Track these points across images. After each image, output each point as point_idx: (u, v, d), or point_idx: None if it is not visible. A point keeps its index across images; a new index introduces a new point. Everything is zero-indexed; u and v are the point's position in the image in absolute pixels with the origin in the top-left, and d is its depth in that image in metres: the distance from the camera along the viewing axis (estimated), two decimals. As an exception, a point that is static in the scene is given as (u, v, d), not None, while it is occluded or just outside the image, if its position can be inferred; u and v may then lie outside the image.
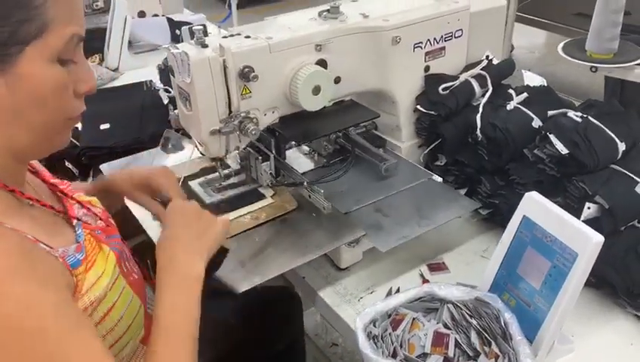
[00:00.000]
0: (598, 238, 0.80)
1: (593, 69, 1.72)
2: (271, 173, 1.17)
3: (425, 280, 1.07)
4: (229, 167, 1.20)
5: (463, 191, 1.21)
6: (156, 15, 2.36)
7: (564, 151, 1.01)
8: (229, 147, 1.07)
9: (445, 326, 0.88)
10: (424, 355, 0.85)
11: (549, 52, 4.25)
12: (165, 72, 1.62)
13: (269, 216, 1.11)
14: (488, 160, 1.15)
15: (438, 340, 0.85)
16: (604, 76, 2.18)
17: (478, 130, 1.15)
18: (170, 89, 1.56)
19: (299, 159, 1.32)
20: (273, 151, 1.18)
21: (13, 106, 0.68)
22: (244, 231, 1.08)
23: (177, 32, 2.11)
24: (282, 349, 1.32)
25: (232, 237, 1.06)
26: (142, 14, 2.35)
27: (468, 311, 0.87)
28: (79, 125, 1.36)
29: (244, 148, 1.13)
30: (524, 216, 0.89)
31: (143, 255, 1.02)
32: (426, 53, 1.23)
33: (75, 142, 1.40)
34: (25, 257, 0.65)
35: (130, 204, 1.17)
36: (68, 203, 0.86)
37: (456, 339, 0.85)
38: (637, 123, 1.12)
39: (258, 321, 1.30)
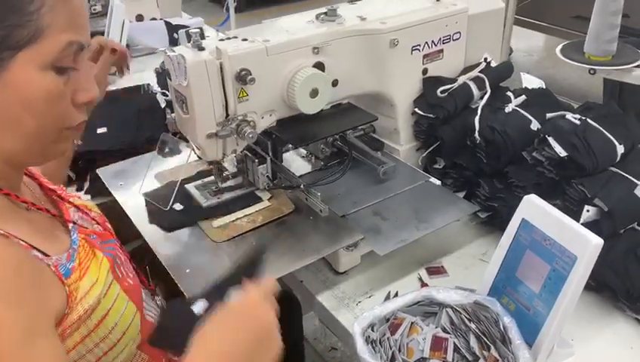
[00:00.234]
0: (598, 241, 0.79)
1: (592, 71, 1.72)
2: (268, 176, 1.16)
3: (424, 284, 1.06)
4: (226, 170, 1.19)
5: (461, 194, 1.20)
6: (154, 19, 2.36)
7: (562, 153, 1.01)
8: (226, 150, 1.06)
9: (444, 330, 0.87)
10: (423, 360, 0.84)
11: (547, 55, 4.25)
12: (163, 75, 1.62)
13: (265, 219, 1.10)
14: (487, 163, 1.15)
15: (437, 344, 0.85)
16: (602, 79, 2.18)
17: (476, 132, 1.14)
18: (167, 92, 1.55)
19: (296, 162, 1.32)
20: (270, 154, 1.17)
21: (5, 112, 0.67)
22: (241, 234, 1.07)
23: (175, 35, 2.11)
24: (281, 353, 1.31)
25: (229, 240, 1.05)
26: (140, 18, 2.34)
27: (467, 315, 0.86)
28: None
29: (242, 152, 1.13)
30: (522, 219, 0.89)
31: (141, 260, 1.01)
32: (424, 56, 1.22)
33: (72, 145, 1.39)
34: (7, 272, 0.63)
35: (126, 207, 1.16)
36: (64, 206, 0.85)
37: (455, 344, 0.85)
38: (635, 125, 1.12)
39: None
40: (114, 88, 1.67)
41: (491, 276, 0.93)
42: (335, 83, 1.13)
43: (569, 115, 1.10)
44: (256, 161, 1.15)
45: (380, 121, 1.25)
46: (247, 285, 0.74)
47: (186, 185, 1.19)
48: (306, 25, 1.12)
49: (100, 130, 1.48)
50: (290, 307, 1.35)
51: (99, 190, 1.34)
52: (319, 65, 1.09)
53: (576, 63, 1.73)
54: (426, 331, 0.87)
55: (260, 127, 1.08)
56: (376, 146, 1.29)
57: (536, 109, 1.15)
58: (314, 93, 1.06)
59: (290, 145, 1.29)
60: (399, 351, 0.84)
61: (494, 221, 1.16)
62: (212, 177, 1.19)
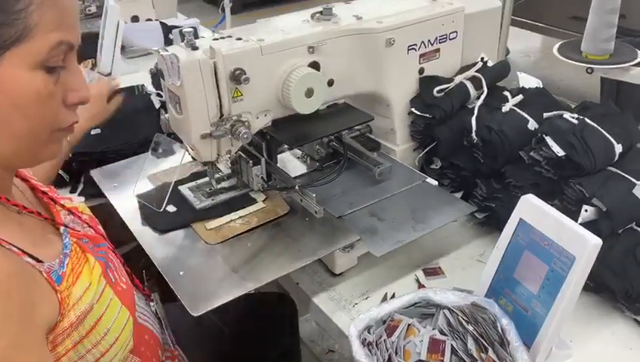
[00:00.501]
0: (596, 241, 0.78)
1: (589, 70, 1.71)
2: (262, 178, 1.15)
3: (421, 286, 1.05)
4: (220, 171, 1.18)
5: (458, 195, 1.20)
6: (150, 20, 2.35)
7: (560, 153, 1.00)
8: (220, 151, 1.05)
9: (441, 332, 0.86)
10: (420, 362, 0.83)
11: (544, 55, 4.25)
12: (157, 76, 1.60)
13: (260, 221, 1.09)
14: (484, 163, 1.14)
15: (434, 347, 0.84)
16: (600, 78, 2.18)
17: (473, 132, 1.13)
18: (162, 93, 1.54)
19: (291, 163, 1.31)
20: (264, 155, 1.16)
21: None
22: (235, 236, 1.06)
23: (171, 36, 2.09)
24: (277, 356, 1.30)
25: (223, 242, 1.04)
26: (135, 19, 2.33)
27: (464, 317, 0.85)
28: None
29: (236, 153, 1.12)
30: (520, 219, 0.88)
31: (135, 262, 1.00)
32: (421, 55, 1.22)
33: (65, 147, 1.37)
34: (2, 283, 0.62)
35: (120, 209, 1.15)
36: (55, 209, 0.84)
37: (452, 346, 0.83)
38: (633, 124, 1.11)
39: (252, 328, 1.28)
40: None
41: (489, 277, 0.92)
42: (331, 83, 1.12)
43: (567, 115, 1.09)
44: (251, 162, 1.13)
45: (377, 121, 1.24)
46: None
47: (179, 187, 1.18)
48: (301, 24, 1.11)
49: (93, 132, 1.46)
50: (285, 309, 1.34)
51: (93, 192, 1.32)
52: (314, 65, 1.08)
53: (573, 62, 1.72)
54: (423, 333, 0.85)
55: (254, 128, 1.06)
56: (372, 147, 1.28)
57: (534, 109, 1.14)
58: (309, 92, 1.04)
59: (286, 146, 1.28)
60: (396, 353, 0.83)
61: (492, 221, 1.15)
62: (206, 178, 1.18)
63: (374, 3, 1.23)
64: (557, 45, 1.82)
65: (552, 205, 0.87)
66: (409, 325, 0.87)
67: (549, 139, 1.02)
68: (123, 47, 2.10)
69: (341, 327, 0.98)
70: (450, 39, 1.24)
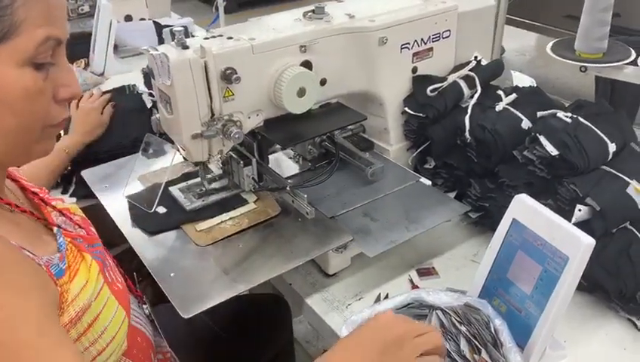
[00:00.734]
0: (590, 241, 0.78)
1: (583, 69, 1.71)
2: (253, 178, 1.14)
3: (414, 286, 1.05)
4: (211, 171, 1.17)
5: (452, 195, 1.19)
6: (143, 19, 2.34)
7: (554, 152, 1.00)
8: (211, 151, 1.04)
9: (434, 333, 0.85)
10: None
11: (539, 54, 4.25)
12: (149, 75, 1.59)
13: (251, 222, 1.08)
14: (477, 162, 1.13)
15: (427, 348, 0.83)
16: (594, 77, 2.17)
17: (466, 131, 1.13)
18: (154, 93, 1.53)
19: (284, 163, 1.30)
20: (256, 156, 1.15)
21: None
22: (226, 237, 1.05)
23: (164, 35, 2.08)
24: (271, 357, 1.30)
25: (214, 243, 1.03)
26: (128, 18, 2.32)
27: (457, 318, 0.84)
28: (61, 131, 1.33)
29: (226, 153, 1.11)
30: (513, 219, 0.87)
31: (128, 264, 0.99)
32: (414, 54, 1.21)
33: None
34: (10, 265, 0.63)
35: (110, 210, 1.14)
36: (46, 210, 0.83)
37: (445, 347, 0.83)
38: (627, 123, 1.11)
39: (245, 329, 1.27)
40: (99, 91, 1.66)
41: (482, 277, 0.91)
42: (323, 82, 1.11)
43: (560, 113, 1.08)
44: (242, 162, 1.12)
45: (370, 121, 1.24)
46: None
47: (170, 188, 1.17)
48: (293, 23, 1.10)
49: (85, 132, 1.46)
50: (278, 311, 1.33)
51: (84, 193, 1.31)
52: (307, 64, 1.07)
53: (567, 61, 1.72)
54: (415, 334, 0.85)
55: (246, 128, 1.05)
56: (365, 146, 1.27)
57: (527, 108, 1.14)
58: (301, 92, 1.04)
59: (278, 146, 1.27)
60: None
61: (485, 221, 1.14)
62: (197, 179, 1.17)
63: (367, 1, 1.22)
64: (550, 44, 1.81)
65: (545, 204, 0.87)
66: (402, 326, 0.86)
67: (542, 139, 1.02)
68: (116, 47, 2.10)
69: (334, 328, 0.97)
70: (443, 38, 1.24)
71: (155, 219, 1.09)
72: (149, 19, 2.33)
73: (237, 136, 1.01)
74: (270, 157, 1.25)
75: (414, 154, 1.26)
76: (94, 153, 1.41)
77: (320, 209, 1.08)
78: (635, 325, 0.94)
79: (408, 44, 1.19)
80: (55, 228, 0.78)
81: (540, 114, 1.12)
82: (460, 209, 1.12)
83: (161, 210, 1.11)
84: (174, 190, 1.17)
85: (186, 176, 1.21)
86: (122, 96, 1.57)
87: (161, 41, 2.14)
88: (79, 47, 1.98)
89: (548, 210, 0.84)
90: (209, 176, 1.16)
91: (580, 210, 0.95)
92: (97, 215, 1.06)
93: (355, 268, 1.09)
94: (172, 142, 1.08)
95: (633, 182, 0.98)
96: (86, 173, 1.29)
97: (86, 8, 2.37)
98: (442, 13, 1.21)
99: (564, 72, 3.64)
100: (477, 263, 1.05)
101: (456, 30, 1.25)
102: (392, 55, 1.17)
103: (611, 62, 1.67)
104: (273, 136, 1.12)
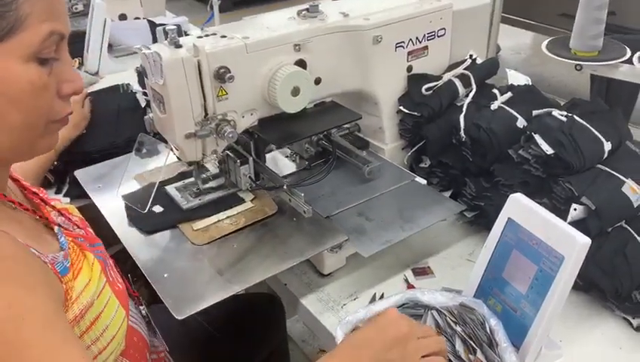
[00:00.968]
0: (585, 240, 0.77)
1: (578, 67, 1.70)
2: (250, 177, 1.13)
3: (410, 286, 1.04)
4: (207, 170, 1.16)
5: (447, 194, 1.18)
6: (138, 18, 2.33)
7: (549, 151, 0.99)
8: (205, 151, 1.03)
9: (429, 333, 0.85)
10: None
11: (534, 53, 4.25)
12: (143, 74, 1.58)
13: (248, 221, 1.07)
14: (473, 161, 1.13)
15: (422, 348, 0.82)
16: (589, 76, 2.17)
17: (461, 130, 1.12)
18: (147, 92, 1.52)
19: (280, 162, 1.29)
20: (252, 154, 1.14)
21: None
22: (223, 236, 1.04)
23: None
24: (265, 356, 1.29)
25: (210, 243, 1.03)
26: (123, 17, 2.31)
27: (452, 318, 0.84)
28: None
29: (223, 152, 1.10)
30: (508, 218, 0.87)
31: (123, 264, 0.99)
32: (409, 53, 1.20)
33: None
34: (18, 262, 0.63)
35: (104, 211, 1.13)
36: (46, 210, 0.83)
37: (440, 347, 0.82)
38: (622, 122, 1.10)
39: (239, 328, 1.27)
40: (93, 90, 1.65)
41: (477, 277, 0.91)
42: (318, 81, 1.10)
43: (555, 112, 1.08)
44: (239, 161, 1.12)
45: (365, 120, 1.23)
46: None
47: (166, 187, 1.16)
48: (287, 21, 1.09)
49: (79, 132, 1.45)
50: (272, 310, 1.33)
51: (78, 192, 1.30)
52: (301, 63, 1.06)
53: (562, 59, 1.71)
54: (411, 334, 0.84)
55: (240, 127, 1.05)
56: (360, 145, 1.27)
57: (523, 106, 1.13)
58: (295, 91, 1.03)
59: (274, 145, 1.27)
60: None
61: (481, 220, 1.14)
62: (205, 174, 1.16)
63: (361, 0, 1.22)
64: (545, 42, 1.81)
65: (540, 204, 0.87)
66: (397, 326, 0.85)
67: (537, 137, 1.01)
68: (110, 46, 2.09)
69: (329, 329, 0.97)
70: (438, 36, 1.23)
71: (152, 219, 1.09)
72: (144, 18, 2.32)
73: (231, 135, 1.00)
74: (267, 155, 1.24)
75: (409, 154, 1.26)
76: (88, 153, 1.40)
77: (315, 208, 1.08)
78: (630, 324, 0.94)
79: (403, 42, 1.18)
80: (56, 228, 0.79)
81: (535, 112, 1.11)
82: (456, 208, 1.11)
83: (158, 209, 1.11)
84: (171, 189, 1.16)
85: (183, 175, 1.20)
86: (116, 95, 1.56)
87: (155, 40, 2.14)
88: (73, 46, 1.95)
89: (543, 210, 0.83)
90: (204, 175, 1.15)
91: (575, 209, 0.95)
92: (91, 215, 1.05)
93: (351, 268, 1.09)
94: (166, 142, 1.07)
95: (629, 181, 0.98)
96: (79, 173, 1.28)
97: (80, 7, 2.36)
98: (437, 11, 1.21)
99: (560, 70, 3.65)
100: (472, 262, 1.05)
101: (451, 28, 1.24)
102: (387, 54, 1.17)
103: (607, 60, 1.67)
104: (267, 135, 1.11)
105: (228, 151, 1.14)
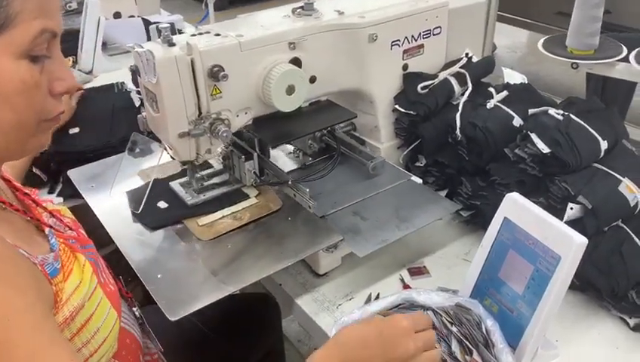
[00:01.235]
0: (582, 240, 0.77)
1: (574, 66, 1.70)
2: (255, 173, 1.12)
3: (406, 285, 1.03)
4: (211, 166, 1.15)
5: (443, 193, 1.18)
6: (132, 16, 2.31)
7: (545, 150, 0.99)
8: (199, 150, 1.03)
9: (425, 333, 0.84)
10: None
11: (530, 51, 4.25)
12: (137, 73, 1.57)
13: (252, 217, 1.07)
14: (469, 160, 1.12)
15: (418, 349, 0.82)
16: (585, 74, 2.17)
17: (457, 129, 1.12)
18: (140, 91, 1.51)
19: (284, 158, 1.28)
20: (257, 150, 1.14)
21: None
22: (228, 232, 1.03)
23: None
24: (260, 357, 1.29)
25: (205, 243, 1.02)
26: (117, 15, 2.29)
27: (448, 318, 0.83)
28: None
29: (227, 148, 1.09)
30: (505, 218, 0.86)
31: (116, 264, 0.98)
32: (404, 51, 1.20)
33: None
34: (6, 263, 0.63)
35: (97, 211, 1.12)
36: (37, 211, 0.82)
37: (436, 348, 0.82)
38: (619, 120, 1.10)
39: (234, 329, 1.26)
40: (87, 87, 1.63)
41: (473, 277, 0.90)
42: (313, 79, 1.10)
43: (552, 111, 1.08)
44: (243, 157, 1.11)
45: (360, 119, 1.22)
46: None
47: (170, 183, 1.16)
48: (281, 19, 1.08)
49: (72, 131, 1.44)
50: (268, 311, 1.32)
51: (72, 192, 1.29)
52: (296, 61, 1.05)
53: (558, 57, 1.71)
54: (406, 335, 0.83)
55: (234, 126, 1.04)
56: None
57: (519, 105, 1.13)
58: (290, 90, 1.02)
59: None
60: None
61: (477, 220, 1.14)
62: (198, 174, 1.15)
63: (357, -2, 1.21)
64: (541, 40, 1.81)
65: (537, 203, 0.86)
66: (392, 327, 0.85)
67: (533, 136, 1.01)
68: (104, 45, 2.07)
69: (324, 329, 0.96)
70: (434, 35, 1.22)
71: (157, 215, 1.08)
72: (138, 16, 2.30)
73: (225, 135, 0.99)
74: (270, 151, 1.23)
75: (405, 153, 1.25)
76: (81, 152, 1.39)
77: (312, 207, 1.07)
78: (627, 324, 0.93)
79: (399, 40, 1.17)
80: (47, 229, 0.78)
81: (531, 111, 1.11)
82: (451, 207, 1.11)
83: (163, 205, 1.10)
84: (175, 185, 1.15)
85: (187, 171, 1.19)
86: (111, 95, 1.54)
87: (149, 39, 2.13)
88: (67, 44, 1.95)
89: (539, 209, 0.83)
90: (208, 171, 1.14)
91: (571, 209, 0.95)
92: (84, 215, 1.04)
93: (346, 268, 1.08)
94: (159, 141, 1.06)
95: (625, 180, 0.97)
96: (73, 173, 1.27)
97: (74, 5, 2.35)
98: (433, 9, 1.20)
99: (556, 68, 3.64)
100: (468, 262, 1.05)
101: (447, 27, 1.24)
102: (383, 52, 1.16)
103: (603, 58, 1.67)
104: (262, 134, 1.10)
105: (232, 147, 1.13)
